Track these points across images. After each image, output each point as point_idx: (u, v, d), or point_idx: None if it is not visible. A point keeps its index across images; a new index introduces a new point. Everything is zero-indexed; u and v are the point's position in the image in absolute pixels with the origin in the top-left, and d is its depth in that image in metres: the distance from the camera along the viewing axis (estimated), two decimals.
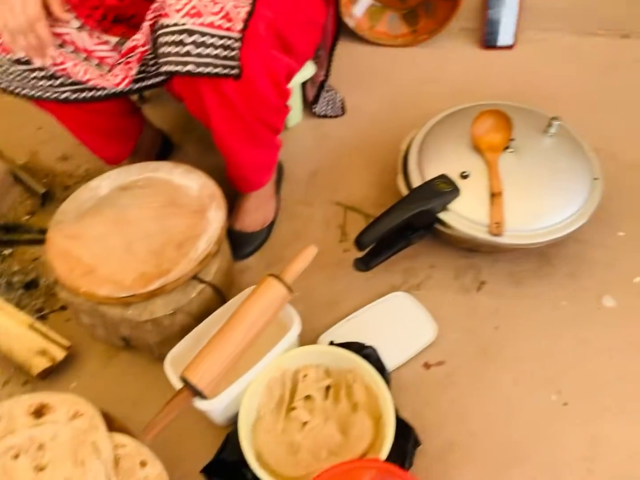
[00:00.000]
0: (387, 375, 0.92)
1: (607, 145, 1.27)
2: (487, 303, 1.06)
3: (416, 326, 1.02)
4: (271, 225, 1.18)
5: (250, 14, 0.81)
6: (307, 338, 1.01)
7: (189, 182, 1.01)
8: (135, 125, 1.20)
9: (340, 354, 0.90)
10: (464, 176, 1.03)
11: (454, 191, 1.02)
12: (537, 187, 1.04)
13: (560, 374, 0.97)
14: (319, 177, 1.29)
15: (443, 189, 1.02)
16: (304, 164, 1.31)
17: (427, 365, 0.99)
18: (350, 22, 1.55)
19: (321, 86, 1.35)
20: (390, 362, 0.96)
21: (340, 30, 1.19)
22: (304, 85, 1.34)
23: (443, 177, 1.03)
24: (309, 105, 1.38)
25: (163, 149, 1.32)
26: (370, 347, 0.94)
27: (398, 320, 1.03)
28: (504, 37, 1.52)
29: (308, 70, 1.25)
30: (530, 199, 1.03)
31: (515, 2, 1.49)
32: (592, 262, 1.10)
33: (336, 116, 1.40)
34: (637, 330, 1.02)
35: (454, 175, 1.04)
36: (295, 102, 1.33)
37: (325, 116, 1.39)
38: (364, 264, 1.04)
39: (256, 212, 1.16)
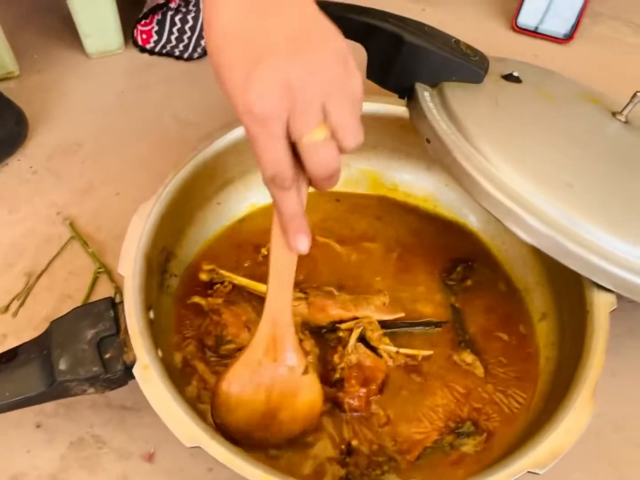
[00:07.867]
0: None
1: None
2: None
3: None
4: None
5: None
6: None
7: None
8: None
9: None
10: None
11: None
12: None
13: None
14: (78, 157, 0.65)
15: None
16: (75, 125, 0.68)
17: None
18: None
19: (156, 8, 0.71)
20: None
21: None
22: None
23: None
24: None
25: None
26: None
27: None
28: (554, 20, 0.79)
29: None
30: None
31: None
32: None
33: (188, 59, 0.75)
34: None
35: None
36: (102, 13, 0.69)
37: (168, 54, 0.75)
38: None
39: None
